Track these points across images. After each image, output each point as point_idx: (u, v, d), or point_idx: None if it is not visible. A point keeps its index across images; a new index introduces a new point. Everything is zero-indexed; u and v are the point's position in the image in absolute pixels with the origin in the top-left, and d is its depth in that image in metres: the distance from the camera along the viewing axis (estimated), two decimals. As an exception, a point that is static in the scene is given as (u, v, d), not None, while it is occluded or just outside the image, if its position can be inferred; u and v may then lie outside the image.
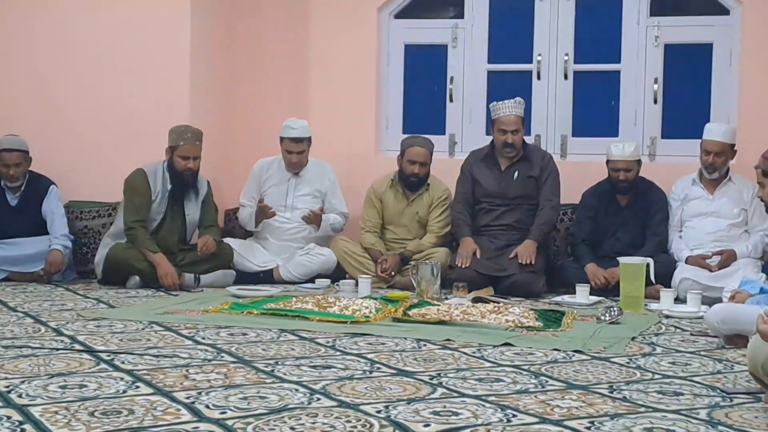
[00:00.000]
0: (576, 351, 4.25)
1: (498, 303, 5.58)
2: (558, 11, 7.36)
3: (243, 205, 7.07)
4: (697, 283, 6.02)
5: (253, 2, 7.69)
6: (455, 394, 3.33)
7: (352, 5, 7.56)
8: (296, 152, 6.90)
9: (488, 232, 6.71)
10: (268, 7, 7.70)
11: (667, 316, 5.44)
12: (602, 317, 5.14)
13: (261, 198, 6.91)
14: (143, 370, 3.66)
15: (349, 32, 7.55)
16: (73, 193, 7.13)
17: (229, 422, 2.88)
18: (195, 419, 2.92)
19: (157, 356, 3.95)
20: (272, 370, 3.70)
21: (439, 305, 5.44)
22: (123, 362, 3.80)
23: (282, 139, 6.94)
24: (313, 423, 2.89)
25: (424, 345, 4.37)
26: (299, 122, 6.94)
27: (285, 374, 3.63)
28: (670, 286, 6.04)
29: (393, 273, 6.67)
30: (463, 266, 6.40)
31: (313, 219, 6.88)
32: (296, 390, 3.34)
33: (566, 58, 7.34)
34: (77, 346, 4.15)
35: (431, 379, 3.58)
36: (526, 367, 3.86)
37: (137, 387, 3.35)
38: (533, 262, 6.40)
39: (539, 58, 7.38)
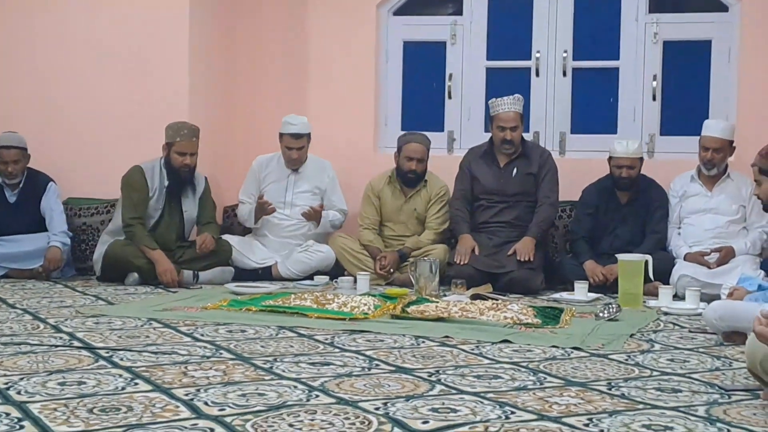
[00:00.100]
0: (574, 348, 4.25)
1: (496, 300, 5.59)
2: (557, 8, 7.35)
3: (242, 202, 7.07)
4: (695, 280, 6.03)
5: (252, 1, 7.69)
6: (454, 391, 3.34)
7: (351, 3, 7.56)
8: (296, 148, 6.90)
9: (487, 229, 6.71)
10: (267, 5, 7.69)
11: (666, 313, 5.45)
12: (601, 314, 5.14)
13: (261, 194, 6.91)
14: (142, 367, 3.66)
15: (347, 29, 7.55)
16: (71, 190, 7.14)
17: (228, 419, 2.88)
18: (194, 416, 2.92)
19: (155, 353, 3.95)
20: (271, 367, 3.70)
21: (437, 302, 5.44)
22: (122, 359, 3.80)
23: (281, 135, 6.94)
24: (312, 420, 2.89)
25: (423, 342, 4.37)
26: (299, 118, 6.94)
27: (284, 371, 3.63)
28: (668, 283, 6.04)
29: (392, 270, 6.68)
30: (462, 263, 6.40)
31: (313, 215, 6.89)
32: (295, 387, 3.35)
33: (565, 55, 7.34)
34: (76, 343, 4.15)
35: (430, 376, 3.59)
36: (524, 364, 3.87)
37: (136, 384, 3.35)
38: (532, 259, 6.40)
39: (538, 55, 7.38)
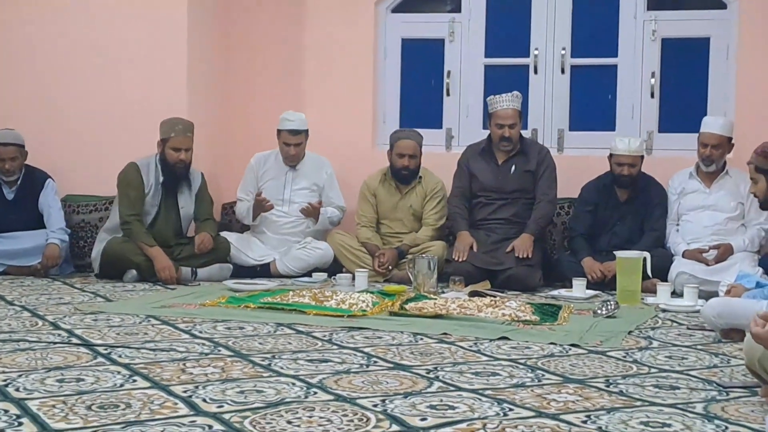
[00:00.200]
0: (572, 345, 4.26)
1: (495, 297, 5.60)
2: (555, 5, 7.35)
3: (240, 200, 7.08)
4: (693, 277, 6.03)
5: (251, -1, 7.71)
6: (452, 388, 3.34)
7: (349, 0, 7.55)
8: (293, 144, 6.91)
9: (485, 225, 6.72)
10: (265, 3, 7.68)
11: (664, 310, 5.45)
12: (599, 311, 5.15)
13: (259, 191, 6.91)
14: (140, 363, 3.66)
15: (346, 27, 7.54)
16: (69, 187, 7.13)
17: (226, 416, 2.88)
18: (192, 413, 2.92)
19: (154, 350, 3.95)
20: (269, 364, 3.70)
21: (435, 299, 5.45)
22: (120, 356, 3.80)
23: (279, 131, 6.94)
24: (310, 417, 2.89)
25: (421, 339, 4.37)
26: (296, 115, 6.95)
27: (282, 368, 3.63)
28: (666, 280, 6.05)
29: (390, 267, 6.68)
30: (460, 260, 6.40)
31: (312, 212, 6.89)
32: (293, 384, 3.35)
33: (563, 52, 7.34)
34: (74, 340, 4.15)
35: (428, 373, 3.59)
36: (522, 361, 3.87)
37: (134, 381, 3.35)
38: (530, 256, 6.41)
39: (536, 52, 7.38)
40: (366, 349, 4.07)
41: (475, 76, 7.51)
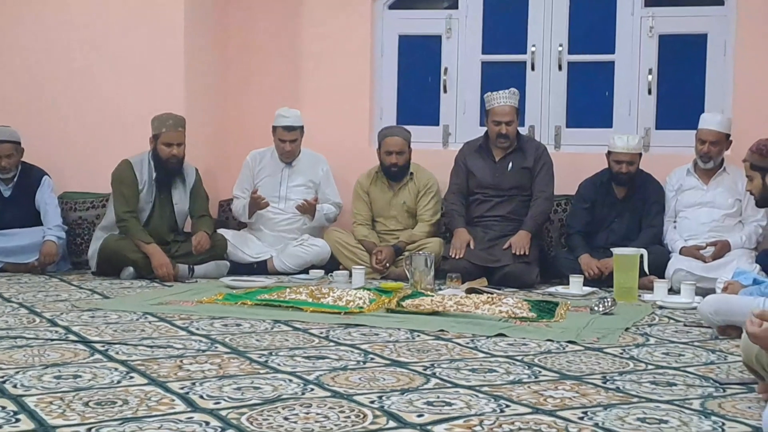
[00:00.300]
0: (569, 342, 4.26)
1: (491, 294, 5.60)
2: (552, 2, 7.33)
3: (236, 197, 7.08)
4: (690, 274, 6.03)
5: (248, -5, 7.70)
6: (449, 385, 3.34)
7: (347, -4, 7.56)
8: (289, 141, 6.91)
9: (482, 222, 6.72)
10: (262, -1, 7.70)
11: (661, 307, 5.45)
12: (596, 308, 5.15)
13: (255, 189, 6.91)
14: (137, 360, 3.66)
15: (342, 23, 7.53)
16: (66, 184, 7.14)
17: (223, 412, 2.88)
18: (189, 409, 2.92)
19: (151, 347, 3.95)
20: (266, 361, 3.70)
21: (432, 296, 5.45)
22: (117, 353, 3.80)
23: (275, 128, 6.94)
24: (307, 413, 2.89)
25: (418, 336, 4.37)
26: (291, 111, 6.95)
27: (279, 365, 3.63)
28: (663, 277, 6.05)
29: (388, 264, 6.68)
30: (457, 257, 6.40)
31: (308, 208, 6.89)
32: (290, 380, 3.35)
33: (560, 48, 7.33)
34: (72, 337, 4.15)
35: (425, 370, 3.59)
36: (519, 358, 3.87)
37: (131, 377, 3.36)
38: (527, 253, 6.41)
39: (533, 48, 7.37)
40: (363, 346, 4.07)
41: (472, 72, 7.51)
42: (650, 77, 7.18)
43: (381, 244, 6.80)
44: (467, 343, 4.21)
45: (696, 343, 4.31)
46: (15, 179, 6.82)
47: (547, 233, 6.95)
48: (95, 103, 7.15)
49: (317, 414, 2.89)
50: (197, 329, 4.42)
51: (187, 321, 4.65)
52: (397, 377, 3.44)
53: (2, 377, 3.30)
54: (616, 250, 5.92)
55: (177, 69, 7.07)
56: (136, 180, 6.51)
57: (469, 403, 3.06)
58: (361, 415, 2.88)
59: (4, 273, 6.50)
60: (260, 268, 6.75)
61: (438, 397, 3.15)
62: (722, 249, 6.26)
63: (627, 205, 6.63)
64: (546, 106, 7.37)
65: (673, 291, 5.90)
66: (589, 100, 7.40)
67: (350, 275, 6.19)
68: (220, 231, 6.84)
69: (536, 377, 3.50)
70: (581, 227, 6.64)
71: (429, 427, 2.78)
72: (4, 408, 2.89)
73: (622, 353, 4.02)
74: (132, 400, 3.02)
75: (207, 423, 2.77)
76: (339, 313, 4.93)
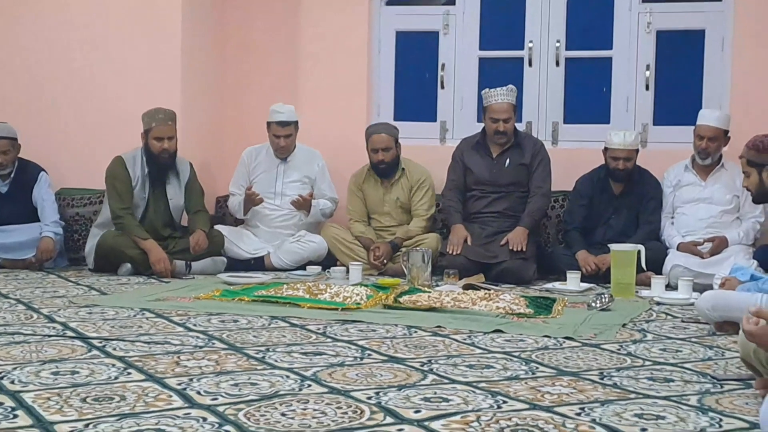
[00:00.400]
0: (566, 338, 4.26)
1: (489, 290, 5.60)
2: (549, -2, 7.36)
3: (232, 194, 7.08)
4: (688, 270, 6.03)
5: (245, -9, 7.69)
6: (446, 381, 3.34)
7: (344, -8, 7.56)
8: (283, 136, 6.90)
9: (479, 219, 6.72)
10: (259, -5, 7.70)
11: (658, 303, 5.46)
12: (593, 304, 5.15)
13: (249, 185, 6.91)
14: (135, 356, 3.66)
15: (340, 19, 7.52)
16: (63, 180, 7.14)
17: (221, 408, 2.88)
18: (186, 405, 2.92)
19: (148, 343, 3.95)
20: (263, 357, 3.70)
21: (430, 292, 5.46)
22: (115, 349, 3.80)
23: (269, 124, 6.94)
24: (304, 409, 2.89)
25: (415, 332, 4.38)
26: (286, 107, 6.94)
27: (276, 361, 3.63)
28: (661, 273, 6.05)
29: (385, 261, 6.68)
30: (454, 253, 6.40)
31: (303, 204, 6.88)
32: (287, 376, 3.35)
33: (558, 44, 7.33)
34: (69, 333, 4.14)
35: (422, 366, 3.59)
36: (516, 354, 3.87)
37: (129, 373, 3.35)
38: (524, 249, 6.41)
39: (531, 44, 7.37)
40: (360, 342, 4.07)
41: (470, 68, 7.51)
42: (648, 73, 7.18)
43: (378, 241, 6.80)
44: (464, 339, 4.21)
45: (693, 339, 4.31)
46: (12, 175, 6.81)
47: (544, 229, 6.95)
48: (94, 101, 7.15)
49: (314, 410, 2.89)
50: (194, 325, 4.42)
51: (184, 317, 4.65)
52: (395, 373, 3.44)
53: (0, 373, 3.29)
54: (613, 246, 5.93)
55: (175, 68, 7.06)
56: (128, 176, 6.51)
57: (467, 399, 3.06)
58: (359, 411, 2.88)
59: (2, 269, 6.50)
60: (257, 264, 6.75)
61: (435, 393, 3.14)
62: (719, 245, 6.26)
63: (624, 201, 6.63)
64: (543, 102, 7.37)
65: (670, 287, 5.90)
66: (587, 96, 7.40)
67: (347, 271, 6.19)
68: (218, 227, 6.83)
69: (533, 373, 3.51)
70: (578, 223, 6.64)
71: (426, 423, 2.77)
72: (2, 404, 2.89)
73: (619, 349, 4.02)
74: (129, 396, 3.02)
75: (204, 419, 2.77)
76: (336, 309, 4.93)
